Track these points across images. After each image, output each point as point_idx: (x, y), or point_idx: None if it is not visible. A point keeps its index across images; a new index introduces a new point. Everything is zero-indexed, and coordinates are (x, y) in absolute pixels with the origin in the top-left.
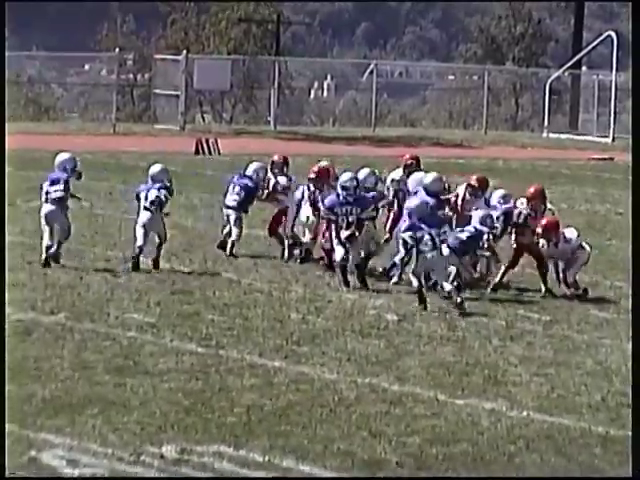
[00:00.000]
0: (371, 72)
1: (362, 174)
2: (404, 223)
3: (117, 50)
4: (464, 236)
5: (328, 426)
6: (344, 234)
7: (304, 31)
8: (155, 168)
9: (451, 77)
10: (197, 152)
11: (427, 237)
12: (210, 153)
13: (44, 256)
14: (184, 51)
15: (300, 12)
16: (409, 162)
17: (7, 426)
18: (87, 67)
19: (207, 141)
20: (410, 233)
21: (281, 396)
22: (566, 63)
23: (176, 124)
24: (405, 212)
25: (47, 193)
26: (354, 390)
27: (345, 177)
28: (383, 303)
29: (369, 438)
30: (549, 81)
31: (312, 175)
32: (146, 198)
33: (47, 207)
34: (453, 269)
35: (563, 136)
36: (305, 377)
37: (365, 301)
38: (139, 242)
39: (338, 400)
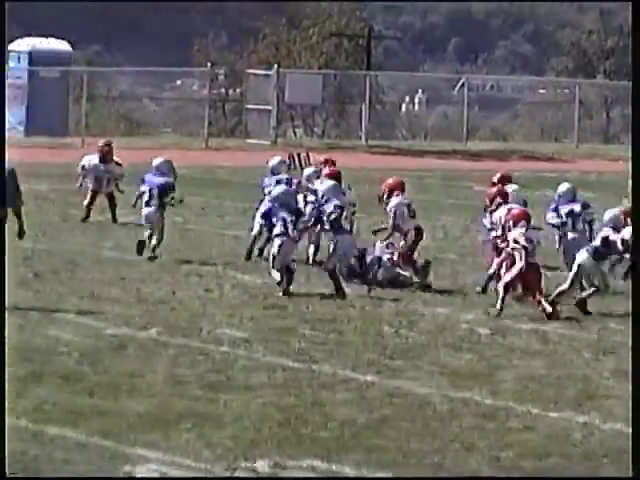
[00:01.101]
0: (462, 86)
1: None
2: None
3: (209, 65)
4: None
5: (421, 440)
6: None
7: (396, 45)
8: (157, 160)
9: (542, 91)
10: (289, 166)
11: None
12: (302, 167)
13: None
14: (275, 66)
15: (392, 27)
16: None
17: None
18: (179, 82)
19: (299, 155)
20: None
21: (374, 410)
22: None
23: (268, 138)
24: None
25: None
26: (447, 404)
27: None
28: (475, 317)
29: (462, 452)
30: None
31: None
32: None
33: (147, 209)
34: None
35: None
36: (398, 391)
37: (457, 315)
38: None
39: (431, 414)
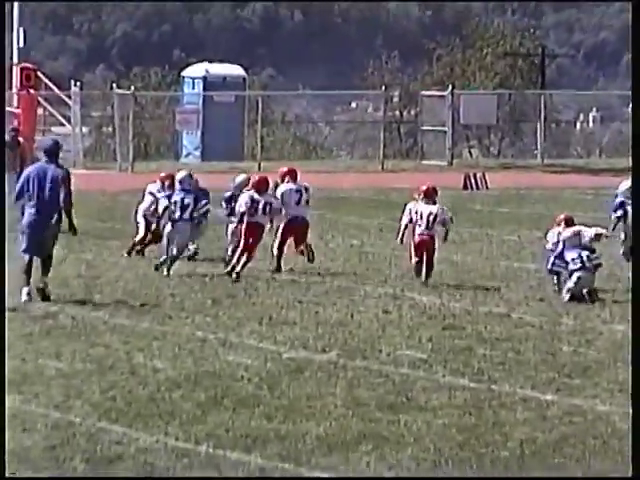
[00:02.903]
0: None
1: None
2: None
3: (383, 87)
4: None
5: (602, 458)
6: None
7: (569, 63)
8: (181, 174)
9: None
10: (465, 187)
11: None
12: (478, 188)
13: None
14: (449, 86)
15: (565, 44)
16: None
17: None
18: (354, 105)
19: (475, 176)
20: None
21: (554, 429)
22: None
23: (444, 159)
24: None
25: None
26: (627, 421)
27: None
28: None
29: None
30: None
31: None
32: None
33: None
34: None
35: None
36: (578, 409)
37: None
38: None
39: (611, 432)
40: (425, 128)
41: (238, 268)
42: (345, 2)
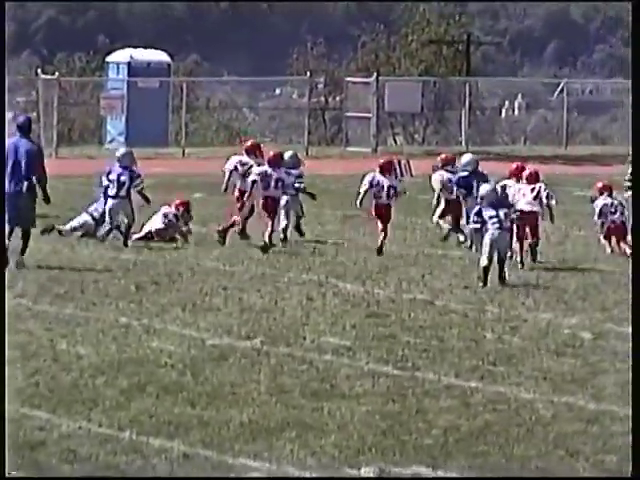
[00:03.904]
0: (562, 90)
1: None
2: None
3: (308, 74)
4: None
5: (525, 445)
6: None
7: (494, 51)
8: (120, 151)
9: None
10: (390, 174)
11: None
12: (402, 175)
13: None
14: (375, 73)
15: (490, 32)
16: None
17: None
18: (278, 91)
19: (399, 163)
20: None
21: (478, 416)
22: None
23: (368, 146)
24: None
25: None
26: (550, 409)
27: None
28: (577, 322)
29: (566, 457)
30: None
31: None
32: (117, 182)
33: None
34: None
35: None
36: (502, 397)
37: (560, 320)
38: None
39: (535, 419)
40: (350, 115)
41: (266, 238)
42: None
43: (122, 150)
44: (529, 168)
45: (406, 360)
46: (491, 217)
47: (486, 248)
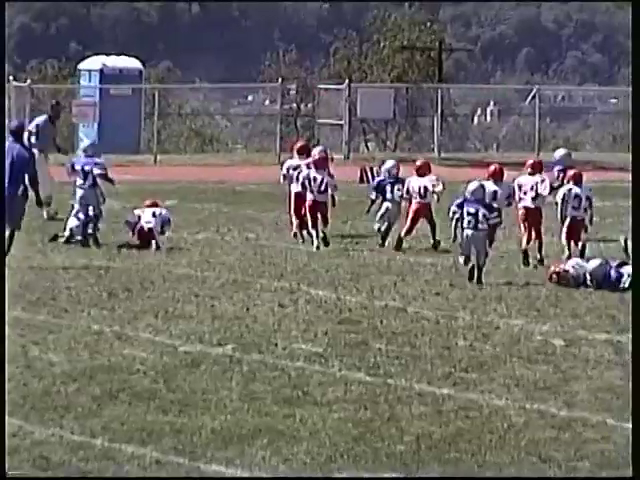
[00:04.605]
0: (534, 97)
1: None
2: None
3: (280, 80)
4: None
5: (498, 452)
6: None
7: (466, 57)
8: (85, 143)
9: (613, 100)
10: (362, 180)
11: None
12: (373, 181)
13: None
14: (347, 80)
15: (462, 39)
16: None
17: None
18: (250, 98)
19: (371, 169)
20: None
21: (450, 423)
22: None
23: (340, 153)
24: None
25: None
26: (523, 416)
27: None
28: (549, 329)
29: (539, 463)
30: None
31: None
32: (82, 172)
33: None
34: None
35: None
36: (474, 404)
37: (532, 327)
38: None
39: (507, 426)
40: (322, 121)
41: (316, 242)
42: None
43: (86, 142)
44: (533, 160)
45: (378, 367)
46: (469, 214)
47: (462, 247)
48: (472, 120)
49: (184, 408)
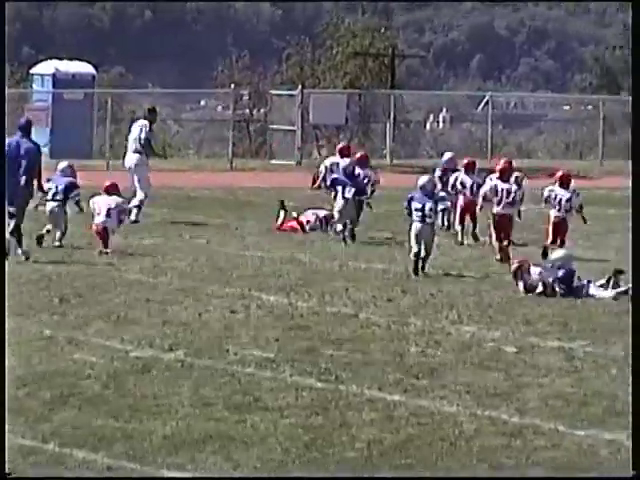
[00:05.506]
0: (486, 103)
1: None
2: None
3: (232, 86)
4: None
5: (449, 459)
6: None
7: (419, 64)
8: (62, 164)
9: (566, 107)
10: (314, 186)
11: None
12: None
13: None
14: (299, 86)
15: (414, 45)
16: None
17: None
18: (203, 103)
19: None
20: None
21: (401, 430)
22: None
23: (293, 159)
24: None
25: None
26: (474, 423)
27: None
28: (501, 335)
29: (490, 471)
30: None
31: None
32: (55, 188)
33: (52, 204)
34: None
35: None
36: (425, 410)
37: (483, 333)
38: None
39: (458, 433)
40: (274, 127)
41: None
42: (194, 1)
43: (64, 163)
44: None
45: (329, 373)
46: (417, 209)
47: (411, 240)
48: (424, 126)
49: (135, 413)
